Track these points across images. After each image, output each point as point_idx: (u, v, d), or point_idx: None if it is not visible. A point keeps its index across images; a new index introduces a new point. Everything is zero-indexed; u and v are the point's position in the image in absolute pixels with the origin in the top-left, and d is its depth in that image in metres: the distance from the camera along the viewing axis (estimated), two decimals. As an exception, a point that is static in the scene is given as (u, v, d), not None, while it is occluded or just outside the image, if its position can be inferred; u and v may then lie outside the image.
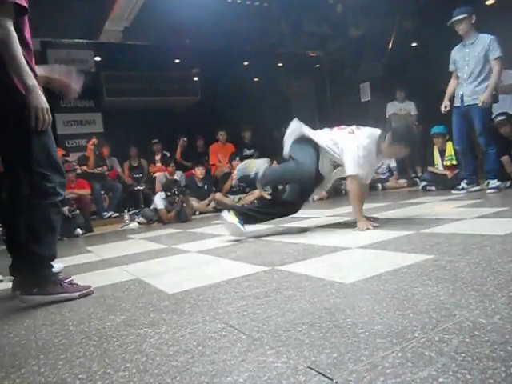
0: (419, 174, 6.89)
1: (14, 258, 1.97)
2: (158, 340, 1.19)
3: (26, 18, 1.88)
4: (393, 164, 7.14)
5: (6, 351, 1.28)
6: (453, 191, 4.73)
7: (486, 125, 4.45)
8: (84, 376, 1.02)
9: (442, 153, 5.76)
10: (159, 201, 5.74)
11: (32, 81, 1.78)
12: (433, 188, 5.63)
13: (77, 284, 1.97)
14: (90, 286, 1.95)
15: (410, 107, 7.19)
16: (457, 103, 4.57)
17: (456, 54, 4.60)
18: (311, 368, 0.89)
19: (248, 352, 1.02)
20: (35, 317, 1.64)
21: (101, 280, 2.19)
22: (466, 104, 4.46)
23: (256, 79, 10.10)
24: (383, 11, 7.07)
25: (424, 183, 5.83)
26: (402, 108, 7.19)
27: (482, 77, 4.37)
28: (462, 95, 4.49)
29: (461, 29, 4.41)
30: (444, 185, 5.44)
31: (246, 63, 9.33)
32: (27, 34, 1.90)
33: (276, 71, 9.65)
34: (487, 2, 6.53)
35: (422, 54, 7.15)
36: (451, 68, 4.68)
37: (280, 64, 9.64)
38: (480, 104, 4.28)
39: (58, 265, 2.59)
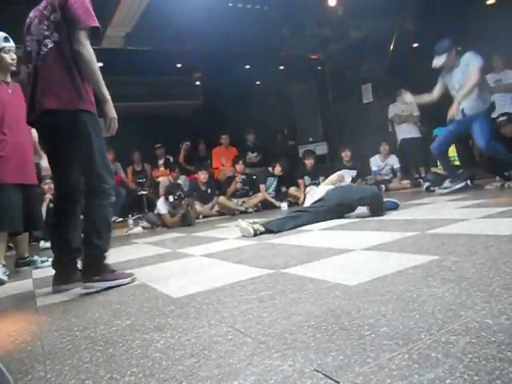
0: (422, 175, 6.88)
1: (60, 255, 2.21)
2: (164, 344, 1.19)
3: None
4: (396, 165, 7.13)
5: (13, 357, 1.28)
6: (438, 190, 4.85)
7: (488, 137, 4.51)
8: (90, 382, 1.02)
9: None
10: (162, 206, 5.75)
11: (108, 93, 2.11)
12: (436, 188, 5.61)
13: (122, 271, 2.23)
14: (133, 274, 2.21)
15: (412, 108, 7.17)
16: (457, 117, 4.62)
17: (446, 77, 4.74)
18: (317, 371, 0.89)
19: (254, 355, 1.02)
20: (41, 322, 1.65)
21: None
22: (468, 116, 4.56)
23: (258, 82, 10.12)
24: (384, 13, 7.07)
25: (427, 184, 5.82)
26: (404, 109, 7.18)
27: (474, 93, 4.48)
28: (463, 109, 4.56)
29: (449, 65, 4.57)
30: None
31: (247, 67, 9.35)
32: None
33: (278, 74, 9.65)
34: (488, 2, 6.53)
35: (423, 54, 7.14)
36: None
37: (282, 67, 9.65)
38: (448, 119, 4.52)
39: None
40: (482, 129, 4.48)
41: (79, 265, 2.19)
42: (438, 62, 4.56)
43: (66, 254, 2.21)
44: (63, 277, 2.19)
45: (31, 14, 2.22)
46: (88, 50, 2.03)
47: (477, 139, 4.57)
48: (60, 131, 2.09)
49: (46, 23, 2.08)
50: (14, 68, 3.01)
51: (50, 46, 2.06)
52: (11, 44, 2.97)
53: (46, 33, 2.07)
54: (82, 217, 2.19)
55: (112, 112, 2.14)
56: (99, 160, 2.11)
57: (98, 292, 2.04)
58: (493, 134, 4.62)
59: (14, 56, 2.98)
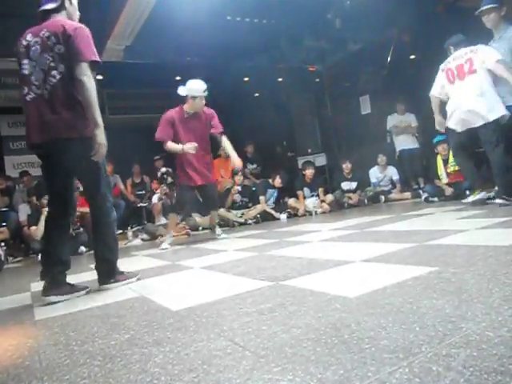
0: (422, 186, 6.89)
1: (49, 267, 2.33)
2: (163, 359, 1.18)
3: None
4: (395, 176, 7.14)
5: (10, 373, 1.27)
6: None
7: None
8: (88, 397, 1.01)
9: (445, 162, 5.73)
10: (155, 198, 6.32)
11: (101, 120, 2.26)
12: (435, 199, 5.61)
13: (129, 272, 2.60)
14: (138, 273, 2.63)
15: (411, 119, 7.22)
16: None
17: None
18: (318, 385, 0.88)
19: (253, 370, 1.01)
20: (39, 337, 1.64)
21: (104, 298, 2.18)
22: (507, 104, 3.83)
23: (256, 94, 10.17)
24: (381, 24, 7.15)
25: (426, 195, 5.83)
26: (402, 120, 7.22)
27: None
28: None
29: (489, 20, 3.91)
30: (447, 196, 5.44)
31: (246, 79, 9.41)
32: None
33: (276, 86, 9.71)
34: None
35: (420, 66, 7.21)
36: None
37: (280, 79, 9.71)
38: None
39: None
40: None
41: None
42: (486, 7, 3.86)
43: (56, 266, 2.33)
44: (53, 288, 2.29)
45: (29, 38, 2.29)
46: (90, 80, 2.19)
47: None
48: (71, 156, 2.30)
49: (51, 54, 2.23)
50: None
51: (59, 77, 2.23)
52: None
53: (52, 64, 2.23)
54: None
55: (102, 138, 2.26)
56: (104, 181, 2.41)
57: (96, 305, 2.03)
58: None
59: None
